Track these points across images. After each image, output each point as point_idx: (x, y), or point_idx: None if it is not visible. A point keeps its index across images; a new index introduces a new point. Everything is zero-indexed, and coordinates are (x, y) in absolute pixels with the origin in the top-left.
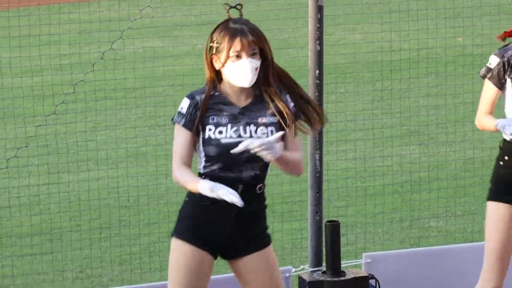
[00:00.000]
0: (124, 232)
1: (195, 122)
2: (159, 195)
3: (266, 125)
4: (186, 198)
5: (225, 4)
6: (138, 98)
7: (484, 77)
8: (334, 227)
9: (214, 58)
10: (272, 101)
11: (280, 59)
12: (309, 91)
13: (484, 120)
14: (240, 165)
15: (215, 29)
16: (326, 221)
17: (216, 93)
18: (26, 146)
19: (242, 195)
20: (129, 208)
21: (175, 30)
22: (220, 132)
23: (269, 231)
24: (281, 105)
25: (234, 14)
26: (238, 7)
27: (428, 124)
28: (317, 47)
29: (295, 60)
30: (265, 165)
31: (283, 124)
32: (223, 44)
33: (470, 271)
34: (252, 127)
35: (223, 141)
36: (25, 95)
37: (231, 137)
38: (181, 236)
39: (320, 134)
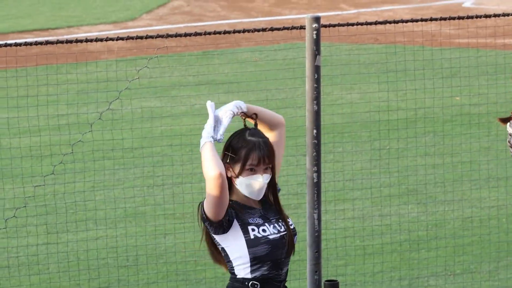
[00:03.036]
0: None
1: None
2: (158, 255)
3: (287, 217)
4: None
5: (242, 113)
6: (136, 158)
7: None
8: (333, 287)
9: (227, 166)
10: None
11: None
12: (307, 151)
13: None
14: (282, 262)
15: (232, 137)
16: (325, 281)
17: (233, 200)
18: (25, 206)
19: None
20: (128, 267)
21: (172, 90)
22: (264, 230)
23: None
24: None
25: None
26: (253, 116)
27: (427, 183)
28: (315, 107)
29: (293, 120)
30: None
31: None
32: (239, 156)
33: None
34: (281, 222)
35: (271, 237)
36: (24, 155)
37: (274, 233)
38: None
39: (319, 193)
